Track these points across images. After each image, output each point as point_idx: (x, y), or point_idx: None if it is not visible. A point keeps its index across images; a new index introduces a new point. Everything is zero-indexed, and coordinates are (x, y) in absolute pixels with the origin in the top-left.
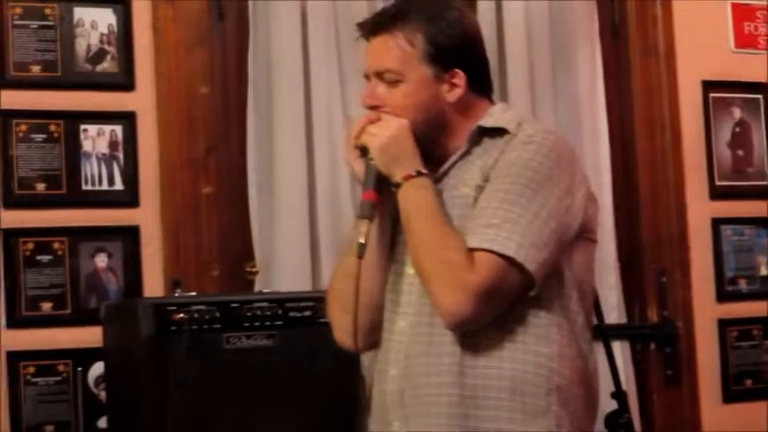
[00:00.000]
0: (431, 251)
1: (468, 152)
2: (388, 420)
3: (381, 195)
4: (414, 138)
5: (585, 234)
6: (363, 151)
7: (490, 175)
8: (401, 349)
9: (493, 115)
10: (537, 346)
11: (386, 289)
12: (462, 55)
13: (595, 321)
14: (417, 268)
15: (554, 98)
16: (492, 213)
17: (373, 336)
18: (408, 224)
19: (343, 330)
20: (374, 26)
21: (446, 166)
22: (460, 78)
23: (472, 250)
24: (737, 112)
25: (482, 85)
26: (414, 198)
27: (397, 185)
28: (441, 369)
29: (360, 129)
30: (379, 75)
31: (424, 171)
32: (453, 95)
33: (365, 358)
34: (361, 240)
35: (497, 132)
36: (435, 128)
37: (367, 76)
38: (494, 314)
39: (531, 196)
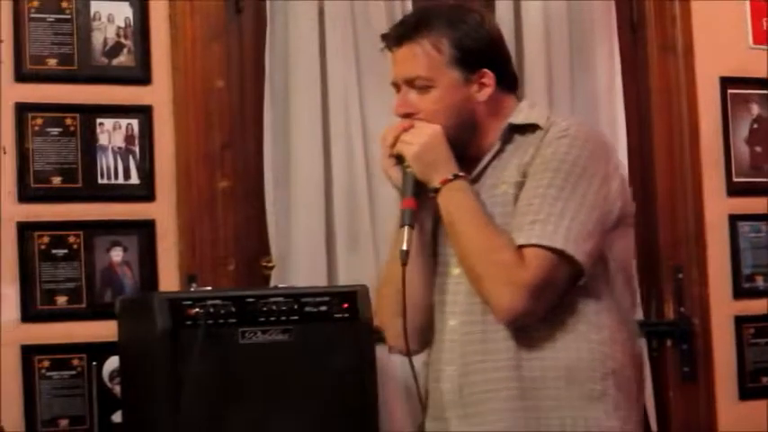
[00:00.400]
0: (480, 252)
1: (501, 150)
2: (446, 418)
3: (420, 201)
4: (448, 141)
5: (624, 219)
6: (399, 159)
7: (528, 172)
8: (455, 348)
9: (522, 112)
10: (589, 332)
11: (434, 291)
12: (488, 55)
13: None
14: (467, 270)
15: (572, 96)
16: (536, 209)
17: (425, 337)
18: (453, 227)
19: (395, 335)
20: (399, 36)
21: (481, 165)
22: (489, 78)
23: (521, 247)
24: (755, 109)
25: (508, 82)
26: (455, 201)
27: (436, 191)
28: (497, 365)
29: (394, 137)
30: (410, 82)
31: (461, 174)
32: (483, 95)
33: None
34: (404, 248)
35: (528, 128)
36: (468, 129)
37: (397, 85)
38: (548, 307)
39: (571, 189)
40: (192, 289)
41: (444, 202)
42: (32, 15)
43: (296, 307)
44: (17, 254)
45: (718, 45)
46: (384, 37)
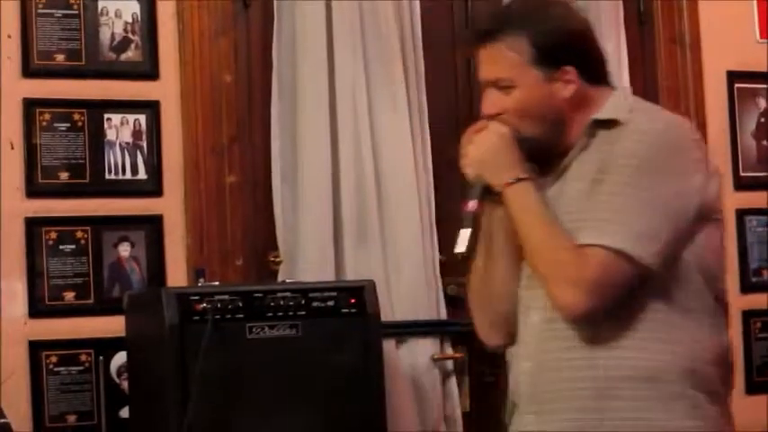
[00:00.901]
0: (542, 253)
1: (586, 145)
2: (522, 413)
3: (491, 203)
4: (531, 139)
5: (707, 215)
6: None
7: (602, 169)
8: (532, 343)
9: (609, 105)
10: (665, 332)
11: (521, 286)
12: (569, 51)
13: None
14: (533, 270)
15: None
16: (602, 208)
17: (508, 330)
18: (518, 229)
19: (484, 328)
20: (480, 36)
21: (566, 161)
22: (571, 74)
23: (583, 246)
24: (762, 103)
25: (595, 74)
26: (517, 204)
27: (500, 194)
28: (572, 364)
29: (468, 138)
30: (493, 83)
31: (524, 176)
32: (568, 91)
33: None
34: (459, 250)
35: (611, 123)
36: (555, 125)
37: (482, 86)
38: (610, 305)
39: (642, 185)
40: (200, 284)
41: (508, 204)
42: (40, 11)
43: (303, 302)
44: (25, 249)
45: (725, 39)
46: (467, 39)
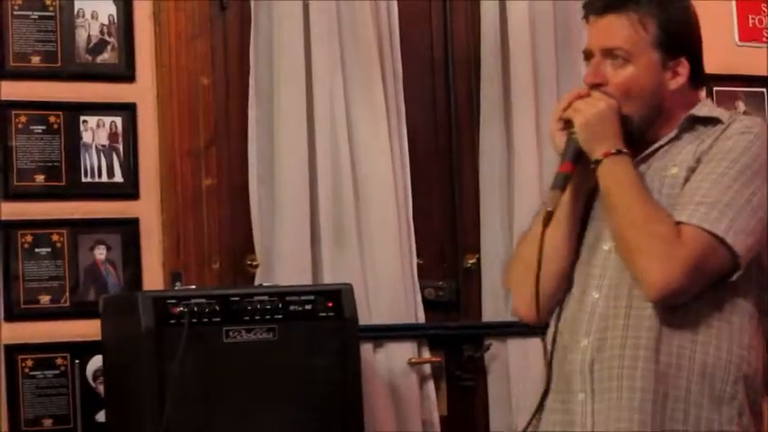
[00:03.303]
0: (637, 224)
1: (677, 137)
2: (573, 390)
3: (577, 169)
4: (625, 119)
5: None
6: (567, 124)
7: (702, 158)
8: (594, 320)
9: (705, 106)
10: (731, 333)
11: (578, 262)
12: (689, 44)
13: None
14: (621, 242)
15: (558, 96)
16: (705, 193)
17: (551, 306)
18: (610, 199)
19: (522, 302)
20: (607, 5)
21: (653, 147)
22: (684, 67)
23: (681, 224)
24: (741, 106)
25: (699, 77)
26: (615, 174)
27: (597, 162)
28: (638, 342)
29: (568, 102)
30: (607, 53)
31: (625, 150)
32: (675, 83)
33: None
34: (550, 209)
35: (709, 121)
36: (651, 112)
37: (589, 54)
38: (697, 290)
39: (745, 182)
40: (177, 288)
41: (604, 174)
42: (15, 12)
43: (280, 306)
44: (0, 252)
45: (704, 41)
46: (587, 4)
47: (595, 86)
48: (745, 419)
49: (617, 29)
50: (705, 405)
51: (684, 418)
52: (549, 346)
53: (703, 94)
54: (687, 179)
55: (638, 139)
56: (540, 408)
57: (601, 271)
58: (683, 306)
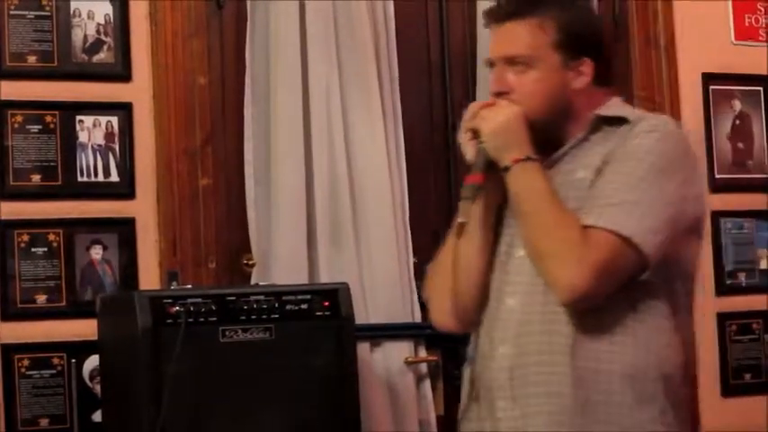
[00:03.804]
0: (546, 230)
1: (585, 139)
2: (494, 398)
3: (488, 179)
4: (533, 124)
5: (696, 229)
6: (475, 134)
7: (609, 160)
8: (510, 327)
9: (613, 106)
10: (647, 333)
11: (492, 270)
12: (591, 43)
13: None
14: (532, 248)
15: None
16: (612, 194)
17: (471, 316)
18: (520, 206)
19: (440, 311)
20: (505, 12)
21: (561, 151)
22: (588, 67)
23: (589, 227)
24: (738, 105)
25: (606, 76)
26: (524, 180)
27: (506, 169)
28: (553, 348)
29: (473, 112)
30: (509, 60)
31: (534, 156)
32: (580, 83)
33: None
34: (461, 220)
35: (616, 121)
36: (559, 114)
37: (492, 62)
38: (608, 293)
39: (651, 181)
40: (173, 287)
41: (513, 181)
42: (12, 12)
43: (277, 305)
44: None
45: (700, 41)
46: (487, 13)
47: (500, 95)
48: (668, 418)
49: (517, 36)
50: (627, 406)
51: (607, 419)
52: (471, 355)
53: (613, 93)
54: (594, 182)
55: (548, 142)
56: (465, 415)
57: (515, 278)
58: (597, 309)
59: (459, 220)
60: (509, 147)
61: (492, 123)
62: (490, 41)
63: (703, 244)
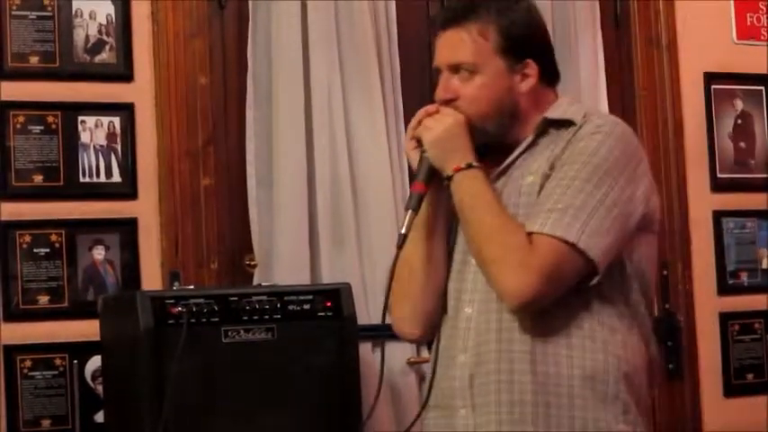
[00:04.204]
0: (489, 237)
1: (534, 143)
2: (454, 407)
3: (434, 187)
4: (480, 129)
5: (648, 226)
6: (419, 143)
7: (556, 164)
8: (469, 336)
9: (560, 107)
10: (604, 333)
11: (449, 278)
12: (534, 45)
13: None
14: (477, 255)
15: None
16: (556, 199)
17: (431, 323)
18: (463, 213)
19: (400, 320)
20: (446, 20)
21: (512, 157)
22: (533, 69)
23: (533, 234)
24: (739, 104)
25: (551, 76)
26: (466, 188)
27: (449, 178)
28: (512, 356)
29: (418, 121)
30: (453, 68)
31: (476, 164)
32: (526, 86)
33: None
34: (402, 231)
35: (563, 124)
36: (507, 118)
37: (439, 70)
38: (554, 297)
39: (596, 184)
40: (175, 287)
41: (455, 190)
42: (14, 13)
43: (279, 305)
44: None
45: (702, 40)
46: (432, 20)
47: (446, 102)
48: (631, 416)
49: (459, 42)
50: (590, 407)
51: (570, 422)
52: (432, 362)
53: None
54: (542, 186)
55: (499, 147)
56: (417, 421)
57: (472, 285)
58: (552, 313)
59: (402, 230)
60: (450, 155)
61: (433, 133)
62: (436, 49)
63: (657, 239)
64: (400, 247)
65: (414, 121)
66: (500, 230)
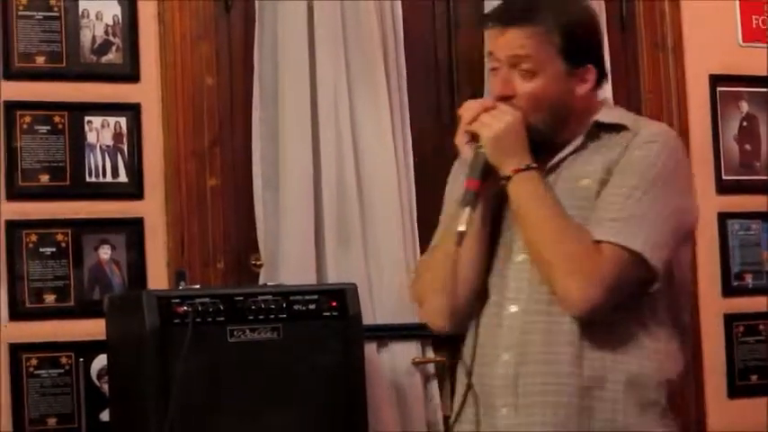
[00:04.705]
0: (553, 242)
1: (583, 145)
2: (494, 405)
3: (486, 184)
4: (533, 129)
5: (691, 237)
6: (474, 138)
7: (613, 170)
8: (513, 335)
9: (610, 111)
10: (649, 340)
11: (491, 273)
12: (594, 50)
13: None
14: (539, 259)
15: None
16: (619, 208)
17: (462, 318)
18: (524, 217)
19: (434, 311)
20: (511, 17)
21: (560, 157)
22: (592, 74)
23: (598, 242)
24: (745, 106)
25: (602, 79)
26: (527, 191)
27: (507, 178)
28: (558, 358)
29: (473, 115)
30: (515, 64)
31: (534, 165)
32: (582, 90)
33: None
34: (462, 228)
35: (614, 128)
36: (560, 121)
37: (495, 67)
38: (615, 306)
39: (656, 194)
40: (181, 287)
41: (515, 191)
42: (21, 13)
43: (284, 305)
44: (5, 252)
45: (707, 43)
46: (492, 14)
47: (503, 98)
48: (668, 420)
49: (524, 40)
50: (631, 412)
51: (612, 425)
52: (468, 358)
53: (606, 93)
54: (599, 192)
55: (543, 146)
56: (458, 418)
57: (516, 283)
58: (606, 319)
59: (460, 228)
60: (509, 154)
61: (492, 130)
62: (491, 43)
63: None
64: (459, 244)
65: (468, 115)
66: (564, 236)
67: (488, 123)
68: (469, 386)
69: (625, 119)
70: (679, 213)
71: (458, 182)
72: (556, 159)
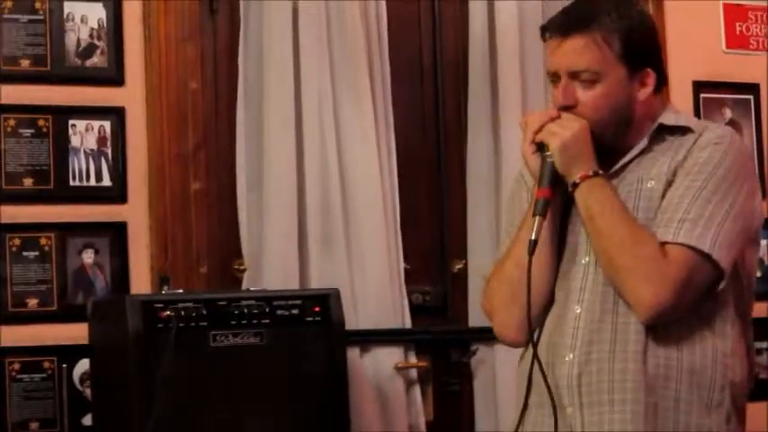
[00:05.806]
0: (621, 246)
1: (648, 148)
2: (560, 406)
3: (555, 193)
4: (597, 135)
5: (758, 237)
6: (541, 147)
7: (678, 172)
8: (578, 335)
9: (672, 114)
10: (715, 340)
11: (556, 278)
12: (653, 53)
13: None
14: (608, 264)
15: (546, 97)
16: (686, 209)
17: (535, 327)
18: (593, 222)
19: (506, 324)
20: (569, 26)
21: (624, 160)
22: (652, 78)
23: (666, 243)
24: (728, 113)
25: (661, 83)
26: (596, 197)
27: (575, 185)
28: (625, 356)
29: (539, 126)
30: (574, 74)
31: (600, 171)
32: (643, 94)
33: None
34: (533, 237)
35: (678, 130)
36: (622, 126)
37: (555, 77)
38: (686, 307)
39: (722, 195)
40: (164, 291)
41: (584, 197)
42: (5, 16)
43: (268, 310)
44: None
45: (691, 49)
46: (549, 26)
47: (566, 108)
48: (732, 425)
49: (582, 50)
50: (694, 412)
51: (675, 425)
52: (531, 361)
53: (667, 97)
54: (664, 193)
55: (606, 151)
56: (521, 422)
57: (581, 285)
58: (673, 319)
59: (533, 237)
60: (577, 162)
61: (560, 138)
62: (551, 53)
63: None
64: (532, 253)
65: (535, 125)
66: (632, 240)
67: (556, 132)
68: (529, 388)
69: (689, 121)
70: (745, 213)
71: (520, 194)
72: (620, 163)
